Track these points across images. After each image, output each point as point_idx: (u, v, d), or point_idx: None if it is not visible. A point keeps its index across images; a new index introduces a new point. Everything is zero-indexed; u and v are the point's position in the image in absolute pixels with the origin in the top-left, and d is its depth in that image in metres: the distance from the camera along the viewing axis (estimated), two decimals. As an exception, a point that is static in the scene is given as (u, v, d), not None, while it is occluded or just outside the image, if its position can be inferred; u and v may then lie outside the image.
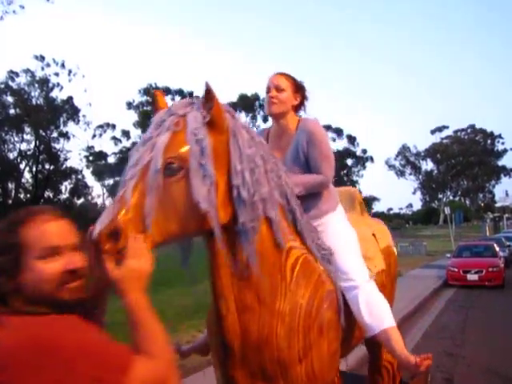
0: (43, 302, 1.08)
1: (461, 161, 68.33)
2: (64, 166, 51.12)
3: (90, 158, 54.59)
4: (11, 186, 46.91)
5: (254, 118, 51.23)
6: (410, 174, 72.38)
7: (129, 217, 1.34)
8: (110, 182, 57.80)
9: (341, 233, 2.17)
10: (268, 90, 2.19)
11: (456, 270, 12.69)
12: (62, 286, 1.11)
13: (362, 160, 61.09)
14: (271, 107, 2.19)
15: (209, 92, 1.53)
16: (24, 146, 45.74)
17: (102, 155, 55.32)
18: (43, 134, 45.43)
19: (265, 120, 44.32)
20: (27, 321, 1.02)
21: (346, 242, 2.15)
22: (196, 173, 1.45)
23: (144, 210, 1.37)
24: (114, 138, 55.87)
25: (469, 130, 71.95)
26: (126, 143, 57.04)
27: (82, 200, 57.02)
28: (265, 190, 1.64)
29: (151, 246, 1.36)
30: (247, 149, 1.61)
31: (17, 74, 42.23)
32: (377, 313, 2.03)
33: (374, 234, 2.65)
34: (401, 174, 72.08)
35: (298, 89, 2.24)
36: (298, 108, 2.27)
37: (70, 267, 1.13)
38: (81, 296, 1.15)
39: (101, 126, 53.91)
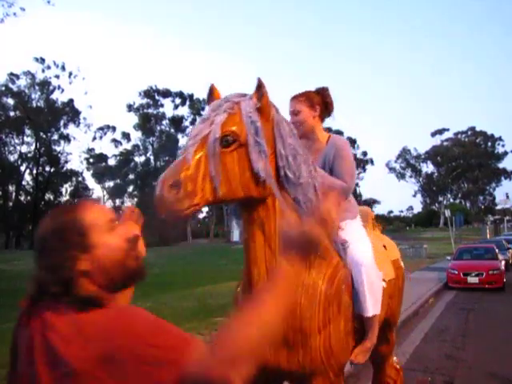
0: (116, 276, 1.07)
1: (461, 163, 68.38)
2: (64, 168, 51.18)
3: (91, 161, 54.66)
4: (12, 188, 46.95)
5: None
6: (411, 177, 72.55)
7: (189, 173, 1.59)
8: (111, 184, 57.87)
9: (356, 232, 2.42)
10: (290, 117, 2.43)
11: (456, 272, 12.66)
12: (129, 254, 1.11)
13: (363, 162, 61.20)
14: (297, 132, 2.49)
15: (260, 84, 1.80)
16: (24, 149, 45.83)
17: (102, 157, 55.38)
18: (44, 136, 45.52)
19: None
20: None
21: (361, 237, 2.39)
22: (254, 148, 1.71)
23: (200, 170, 1.62)
24: (114, 140, 55.94)
25: (469, 133, 72.06)
26: (127, 145, 57.11)
27: (82, 202, 56.98)
28: (306, 175, 1.90)
29: (203, 203, 1.62)
30: (289, 138, 1.86)
31: (17, 77, 42.37)
32: (375, 298, 2.26)
33: (384, 246, 2.87)
34: (401, 176, 72.18)
35: (313, 99, 2.45)
36: (322, 115, 2.52)
37: (131, 234, 1.15)
38: (142, 263, 1.16)
39: (101, 129, 54.04)
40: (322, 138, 2.47)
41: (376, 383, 3.33)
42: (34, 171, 46.95)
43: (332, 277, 2.00)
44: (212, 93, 2.00)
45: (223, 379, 0.89)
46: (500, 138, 70.22)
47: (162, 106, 54.80)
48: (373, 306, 2.23)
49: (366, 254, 2.27)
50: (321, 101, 2.47)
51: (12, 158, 44.90)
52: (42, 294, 1.01)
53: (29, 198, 48.18)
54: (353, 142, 60.04)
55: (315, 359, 1.90)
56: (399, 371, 3.42)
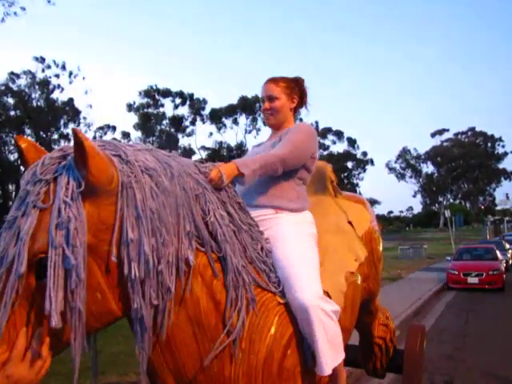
0: None
1: (461, 164, 68.38)
2: (64, 167, 51.08)
3: (91, 160, 54.60)
4: (12, 187, 46.95)
5: (254, 120, 51.30)
6: (411, 177, 72.53)
7: None
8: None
9: (294, 246, 1.79)
10: (262, 102, 2.09)
11: (456, 272, 12.66)
12: None
13: (363, 163, 61.13)
14: (268, 120, 2.11)
15: (80, 147, 1.08)
16: (25, 148, 45.84)
17: (102, 157, 55.34)
18: (44, 135, 45.49)
19: (265, 123, 44.34)
20: None
21: (299, 252, 1.77)
22: (55, 272, 1.06)
23: (17, 324, 1.09)
24: (114, 139, 55.78)
25: (469, 133, 72.06)
26: (127, 145, 57.26)
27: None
28: (172, 250, 1.28)
29: (48, 364, 1.14)
30: (150, 201, 1.24)
31: (17, 76, 42.32)
32: (334, 344, 1.69)
33: (350, 222, 2.39)
34: (401, 176, 72.17)
35: (293, 89, 2.09)
36: (297, 108, 2.16)
37: None
38: None
39: (101, 128, 54.00)
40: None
41: (365, 348, 3.00)
42: (34, 170, 47.00)
43: (269, 352, 1.52)
44: (23, 152, 1.25)
45: None
46: (500, 139, 70.22)
47: (162, 105, 54.78)
48: (332, 358, 1.67)
49: (312, 293, 1.63)
50: (299, 92, 2.11)
51: (12, 157, 44.90)
52: None
53: (29, 197, 48.18)
54: (353, 142, 60.02)
55: None
56: (388, 325, 3.04)
